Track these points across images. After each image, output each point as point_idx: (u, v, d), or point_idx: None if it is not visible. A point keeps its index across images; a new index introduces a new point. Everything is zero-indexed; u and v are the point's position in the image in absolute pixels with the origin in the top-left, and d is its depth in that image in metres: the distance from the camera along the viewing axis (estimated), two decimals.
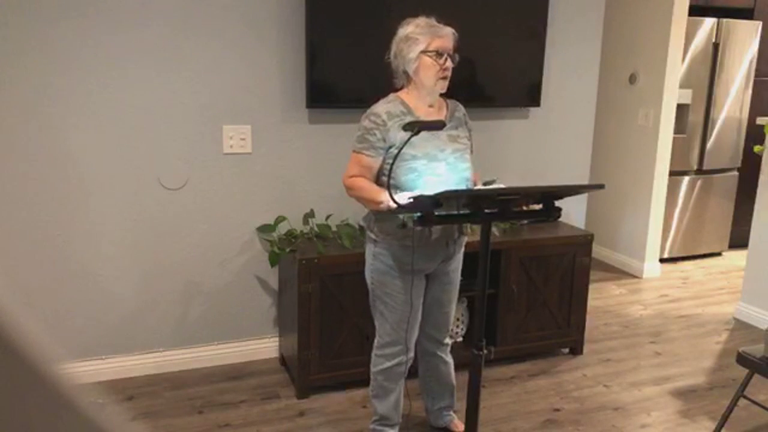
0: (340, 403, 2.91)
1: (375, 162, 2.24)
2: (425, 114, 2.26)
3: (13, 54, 2.69)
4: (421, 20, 2.23)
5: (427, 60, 2.19)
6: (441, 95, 2.33)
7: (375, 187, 2.22)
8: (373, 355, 2.48)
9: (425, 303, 2.45)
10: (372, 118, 2.24)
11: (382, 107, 2.25)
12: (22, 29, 2.68)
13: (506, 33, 3.39)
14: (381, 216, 2.26)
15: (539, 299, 3.26)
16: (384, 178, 2.21)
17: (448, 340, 2.58)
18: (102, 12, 2.77)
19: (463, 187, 2.25)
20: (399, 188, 2.16)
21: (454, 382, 2.66)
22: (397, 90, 2.32)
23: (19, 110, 2.74)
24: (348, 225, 3.13)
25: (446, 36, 2.21)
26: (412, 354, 2.45)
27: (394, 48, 2.25)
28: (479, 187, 2.35)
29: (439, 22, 2.25)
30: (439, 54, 2.19)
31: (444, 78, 2.22)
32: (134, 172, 2.95)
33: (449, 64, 2.21)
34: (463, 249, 2.46)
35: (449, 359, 2.61)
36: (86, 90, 2.82)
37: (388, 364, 2.42)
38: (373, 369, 2.48)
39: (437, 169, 2.21)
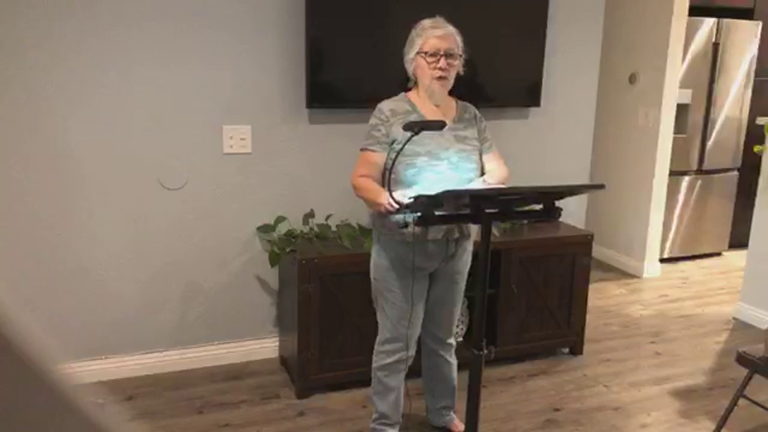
0: (340, 403, 2.91)
1: (381, 157, 2.26)
2: (430, 113, 2.28)
3: (13, 52, 2.69)
4: (426, 21, 2.25)
5: (421, 61, 2.23)
6: (454, 96, 2.34)
7: (378, 188, 2.22)
8: (374, 351, 2.49)
9: (429, 302, 2.46)
10: (377, 114, 2.29)
11: (387, 104, 2.30)
12: (22, 27, 2.68)
13: (506, 33, 3.39)
14: (382, 213, 2.27)
15: (539, 299, 3.26)
16: (389, 175, 2.23)
17: (451, 341, 2.58)
18: (102, 12, 2.77)
19: (465, 187, 2.26)
20: (399, 183, 2.18)
21: (456, 383, 2.65)
22: (408, 89, 2.36)
23: (18, 109, 2.74)
24: (348, 225, 3.13)
25: (442, 36, 2.21)
26: (412, 352, 2.45)
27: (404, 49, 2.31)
28: (479, 186, 2.35)
29: (446, 22, 2.25)
30: (431, 54, 2.20)
31: (441, 78, 2.22)
32: (134, 172, 2.95)
33: (443, 64, 2.21)
34: (469, 252, 2.45)
35: (453, 360, 2.61)
36: (86, 90, 2.82)
37: (388, 360, 2.43)
38: (374, 365, 2.49)
39: (438, 167, 2.22)
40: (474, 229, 2.45)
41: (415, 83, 2.31)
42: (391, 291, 2.35)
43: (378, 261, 2.36)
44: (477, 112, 2.43)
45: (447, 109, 2.33)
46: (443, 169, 2.23)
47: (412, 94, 2.32)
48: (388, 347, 2.43)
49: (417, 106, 2.29)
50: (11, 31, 2.67)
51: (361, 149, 2.30)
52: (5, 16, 2.65)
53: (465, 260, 2.45)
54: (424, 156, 2.21)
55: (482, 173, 2.37)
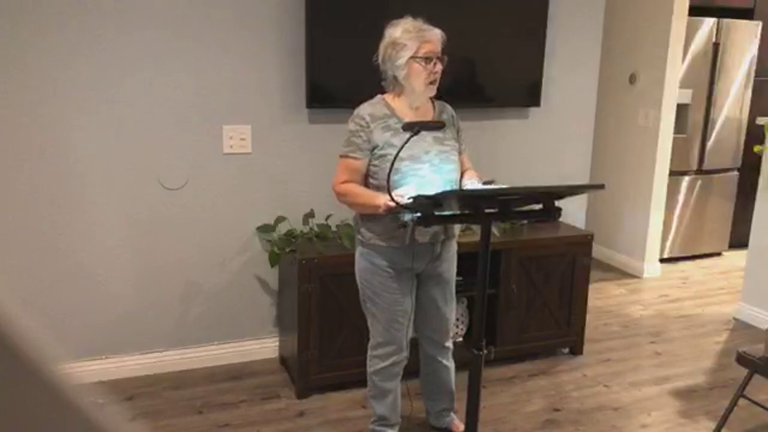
0: (340, 403, 2.91)
1: (363, 164, 2.24)
2: (409, 116, 2.25)
3: (15, 55, 2.69)
4: (409, 23, 2.19)
5: (417, 66, 2.18)
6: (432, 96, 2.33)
7: (369, 191, 2.21)
8: (367, 356, 2.48)
9: (421, 304, 2.44)
10: (356, 120, 2.25)
11: (365, 109, 2.26)
12: (25, 30, 2.68)
13: (506, 33, 3.39)
14: (368, 216, 2.26)
15: (539, 299, 3.26)
16: (372, 181, 2.24)
17: (449, 344, 2.56)
18: (103, 13, 2.77)
19: (448, 188, 2.24)
20: (382, 189, 2.15)
21: (454, 387, 2.64)
22: (384, 92, 2.32)
23: (19, 111, 2.74)
24: (348, 225, 3.12)
25: (434, 40, 2.18)
26: (406, 353, 2.44)
27: (381, 52, 2.24)
28: (479, 186, 2.35)
29: (426, 23, 2.22)
30: (428, 59, 2.17)
31: (433, 82, 2.21)
32: (134, 172, 2.95)
33: (438, 68, 2.19)
34: (454, 251, 2.45)
35: (450, 364, 2.59)
36: (87, 90, 2.82)
37: (382, 364, 2.42)
38: (368, 370, 2.48)
39: (420, 171, 2.20)
40: (457, 230, 2.45)
41: (395, 86, 2.25)
42: (380, 294, 2.33)
43: (363, 265, 2.34)
44: (453, 111, 2.41)
45: (425, 110, 2.31)
46: (425, 172, 2.21)
47: (389, 97, 2.28)
48: (381, 351, 2.42)
49: (395, 109, 2.25)
50: (15, 34, 2.67)
51: (341, 156, 2.26)
52: (9, 19, 2.65)
53: (451, 260, 2.43)
54: (407, 160, 2.18)
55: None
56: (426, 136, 2.22)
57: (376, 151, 2.21)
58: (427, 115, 2.31)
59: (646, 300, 4.35)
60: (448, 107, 2.40)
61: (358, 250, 2.37)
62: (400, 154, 2.14)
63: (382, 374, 2.44)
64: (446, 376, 2.60)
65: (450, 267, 2.44)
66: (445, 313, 2.49)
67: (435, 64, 2.18)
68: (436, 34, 2.19)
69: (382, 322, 2.37)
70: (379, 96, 2.31)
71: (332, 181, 2.30)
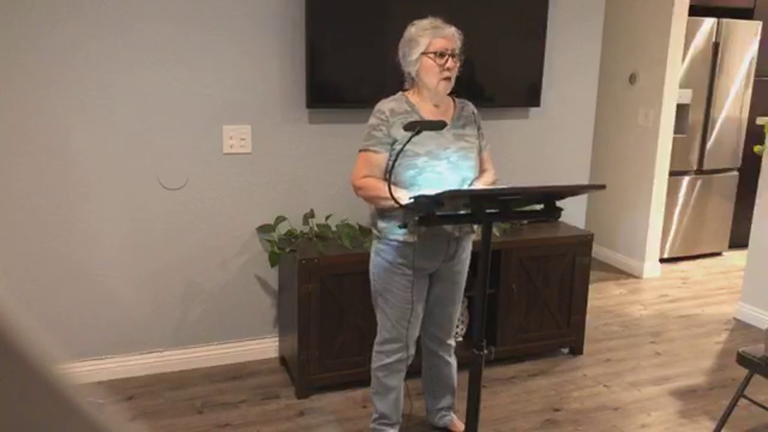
0: (340, 403, 2.91)
1: (383, 158, 2.24)
2: (430, 113, 2.27)
3: (14, 53, 2.69)
4: (425, 21, 2.24)
5: (428, 61, 2.20)
6: (450, 94, 2.34)
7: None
8: (373, 351, 2.48)
9: (429, 302, 2.45)
10: (377, 115, 2.27)
11: (386, 104, 2.28)
12: (23, 28, 2.68)
13: (506, 33, 3.39)
14: (385, 213, 2.26)
15: (539, 299, 3.26)
16: (389, 177, 2.23)
17: (451, 341, 2.57)
18: (102, 13, 2.77)
19: (464, 186, 2.26)
20: (399, 185, 2.18)
21: (455, 384, 2.65)
22: (405, 89, 2.34)
23: (19, 110, 2.74)
24: (348, 225, 3.13)
25: (447, 36, 2.21)
26: (412, 351, 2.45)
27: (399, 51, 2.28)
28: (480, 186, 2.35)
29: (445, 22, 2.25)
30: (439, 55, 2.19)
31: (446, 79, 2.22)
32: (134, 172, 2.95)
33: (450, 64, 2.20)
34: (469, 251, 2.45)
35: (452, 361, 2.61)
36: (87, 90, 2.82)
37: (387, 360, 2.43)
38: (373, 366, 2.48)
39: (437, 167, 2.21)
40: (473, 227, 2.46)
41: (413, 83, 2.30)
42: (392, 291, 2.34)
43: (377, 261, 2.36)
44: (475, 109, 2.42)
45: (446, 107, 2.33)
46: (443, 169, 2.22)
47: (410, 94, 2.31)
48: (387, 347, 2.43)
49: (416, 106, 2.28)
50: (13, 33, 2.67)
51: (361, 150, 2.28)
52: (7, 17, 2.65)
53: (465, 259, 2.44)
54: (424, 156, 2.20)
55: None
56: (445, 133, 2.23)
57: (395, 145, 2.21)
58: (448, 112, 2.32)
59: (646, 300, 4.35)
60: (470, 105, 2.41)
61: (374, 246, 2.38)
62: (418, 150, 2.18)
63: (387, 370, 2.45)
64: (448, 372, 2.61)
65: (463, 267, 2.45)
66: (450, 313, 2.50)
67: (447, 60, 2.19)
68: (449, 32, 2.22)
69: (391, 319, 2.38)
70: (400, 93, 2.33)
71: (351, 176, 2.30)
